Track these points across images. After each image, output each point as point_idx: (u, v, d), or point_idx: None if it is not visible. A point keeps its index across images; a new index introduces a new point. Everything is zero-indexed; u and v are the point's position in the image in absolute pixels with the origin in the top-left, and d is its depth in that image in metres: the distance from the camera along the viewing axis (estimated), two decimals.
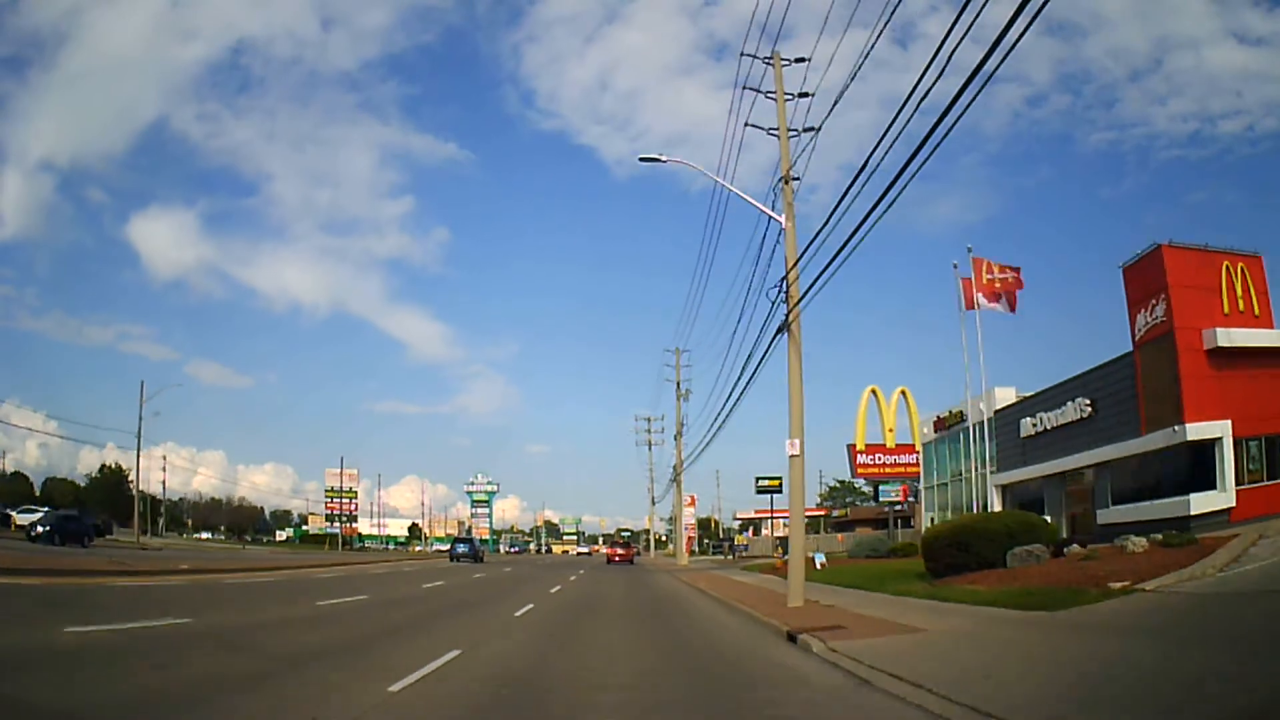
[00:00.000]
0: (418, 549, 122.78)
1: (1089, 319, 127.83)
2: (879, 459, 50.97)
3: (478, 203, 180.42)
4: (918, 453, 52.02)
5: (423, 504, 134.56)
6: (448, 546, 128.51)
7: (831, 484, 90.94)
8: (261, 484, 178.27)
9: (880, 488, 51.35)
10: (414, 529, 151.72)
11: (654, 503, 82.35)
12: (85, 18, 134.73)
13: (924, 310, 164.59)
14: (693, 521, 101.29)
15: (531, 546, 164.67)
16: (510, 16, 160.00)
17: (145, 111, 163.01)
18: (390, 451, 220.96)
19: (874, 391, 52.21)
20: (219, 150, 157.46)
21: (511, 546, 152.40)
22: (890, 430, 52.16)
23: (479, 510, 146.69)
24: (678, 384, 50.71)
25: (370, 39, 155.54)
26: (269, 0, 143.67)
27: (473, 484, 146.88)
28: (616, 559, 64.49)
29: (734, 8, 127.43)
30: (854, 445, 50.51)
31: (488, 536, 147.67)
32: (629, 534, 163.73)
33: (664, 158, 18.23)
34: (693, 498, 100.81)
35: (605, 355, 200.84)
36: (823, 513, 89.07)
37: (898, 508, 51.77)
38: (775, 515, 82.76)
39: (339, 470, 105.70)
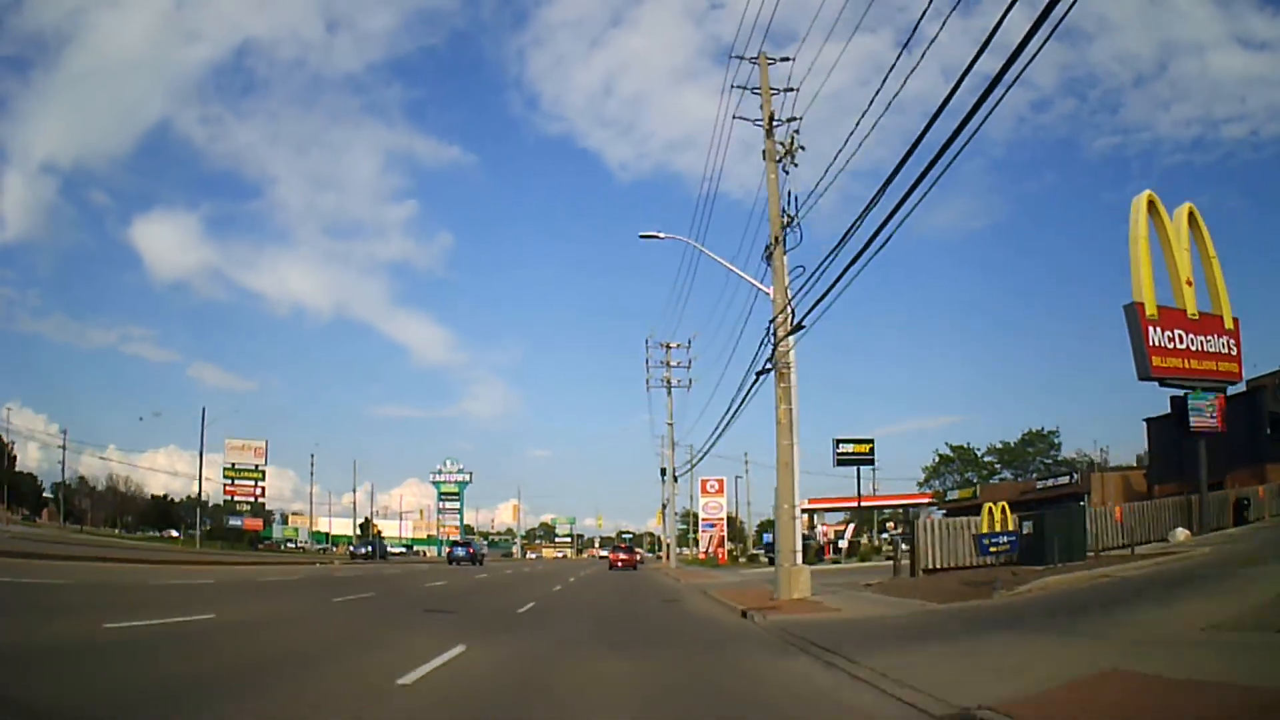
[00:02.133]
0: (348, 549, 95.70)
1: None
2: (1179, 337, 23.83)
3: (481, 207, 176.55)
4: (1230, 333, 24.98)
5: (354, 495, 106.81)
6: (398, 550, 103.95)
7: (944, 452, 63.06)
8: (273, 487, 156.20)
9: (1190, 402, 23.92)
10: (367, 526, 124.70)
11: (674, 479, 54.75)
12: (88, 19, 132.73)
13: None
14: (721, 516, 73.95)
15: (514, 550, 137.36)
16: (515, 20, 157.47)
17: (148, 114, 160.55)
18: (392, 456, 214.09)
19: (1151, 201, 25.08)
20: (222, 153, 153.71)
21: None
22: (1187, 284, 24.95)
23: (447, 504, 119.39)
24: (775, 137, 19.94)
25: (375, 42, 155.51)
26: (274, 2, 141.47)
27: (439, 472, 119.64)
28: (620, 564, 54.92)
29: (738, 12, 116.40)
30: (1139, 305, 23.29)
31: (456, 536, 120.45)
32: (630, 536, 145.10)
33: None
34: (720, 482, 73.54)
35: (608, 361, 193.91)
36: (925, 498, 61.84)
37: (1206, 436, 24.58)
38: (868, 503, 55.61)
39: (240, 442, 78.42)
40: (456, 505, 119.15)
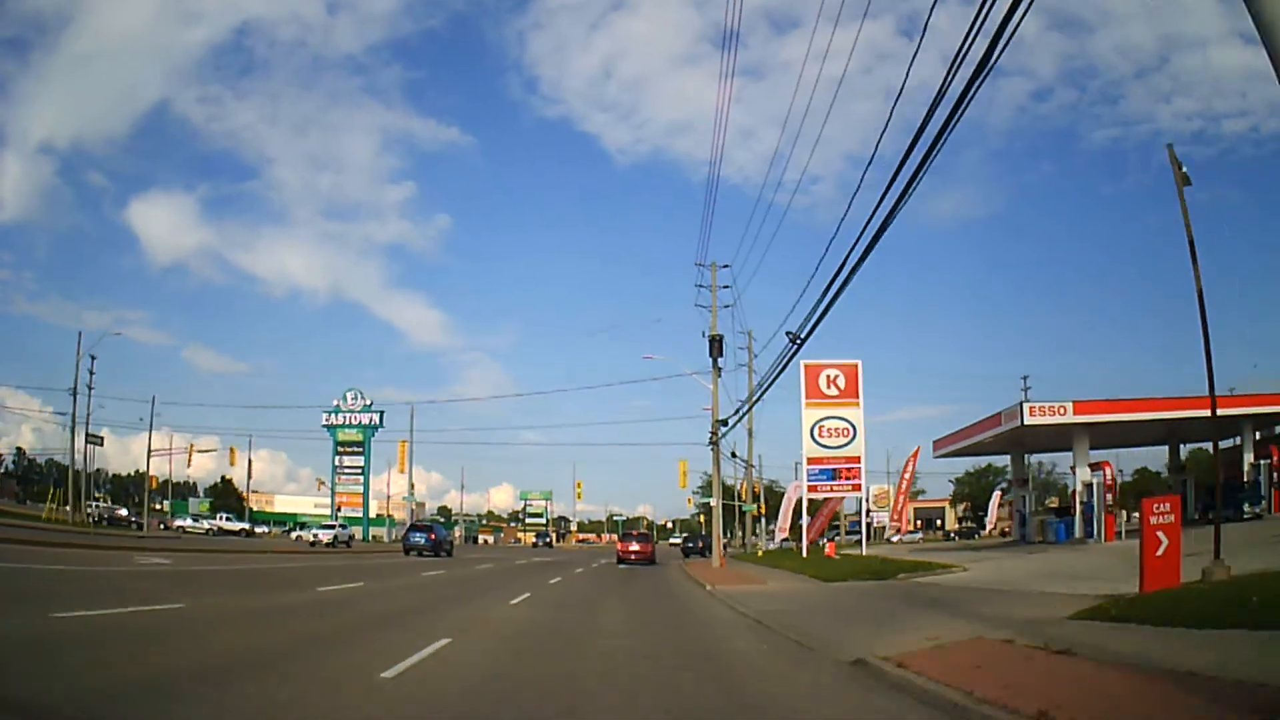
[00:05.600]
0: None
1: None
2: None
3: (479, 189, 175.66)
4: None
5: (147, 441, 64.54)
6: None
7: None
8: (257, 470, 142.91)
9: None
10: (225, 486, 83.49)
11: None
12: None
13: None
14: (854, 453, 32.46)
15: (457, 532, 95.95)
16: (516, 3, 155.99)
17: (147, 94, 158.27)
18: (385, 440, 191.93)
19: None
20: (220, 134, 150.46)
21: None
22: None
23: (348, 460, 77.83)
24: None
25: (375, 23, 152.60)
26: None
27: (337, 411, 77.97)
28: (633, 557, 39.19)
29: None
30: None
31: (359, 512, 78.86)
32: (622, 519, 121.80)
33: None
34: (848, 371, 32.42)
35: (604, 345, 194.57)
36: None
37: None
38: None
39: None
40: (361, 462, 77.27)
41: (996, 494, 73.53)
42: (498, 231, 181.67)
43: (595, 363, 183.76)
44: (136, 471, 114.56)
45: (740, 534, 57.06)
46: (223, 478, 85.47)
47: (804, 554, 31.19)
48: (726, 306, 32.47)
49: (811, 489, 31.09)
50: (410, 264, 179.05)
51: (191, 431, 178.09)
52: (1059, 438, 35.41)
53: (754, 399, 32.90)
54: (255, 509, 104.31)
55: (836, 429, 31.09)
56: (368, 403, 77.57)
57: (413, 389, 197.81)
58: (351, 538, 54.97)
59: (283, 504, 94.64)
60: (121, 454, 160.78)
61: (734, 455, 38.46)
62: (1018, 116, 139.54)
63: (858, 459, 31.15)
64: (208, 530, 62.79)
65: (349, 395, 78.28)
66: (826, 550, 28.02)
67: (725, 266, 33.69)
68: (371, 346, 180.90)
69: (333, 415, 78.31)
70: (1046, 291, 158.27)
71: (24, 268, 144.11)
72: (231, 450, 63.43)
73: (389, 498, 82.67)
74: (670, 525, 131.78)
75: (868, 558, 26.84)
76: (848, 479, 30.92)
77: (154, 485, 62.35)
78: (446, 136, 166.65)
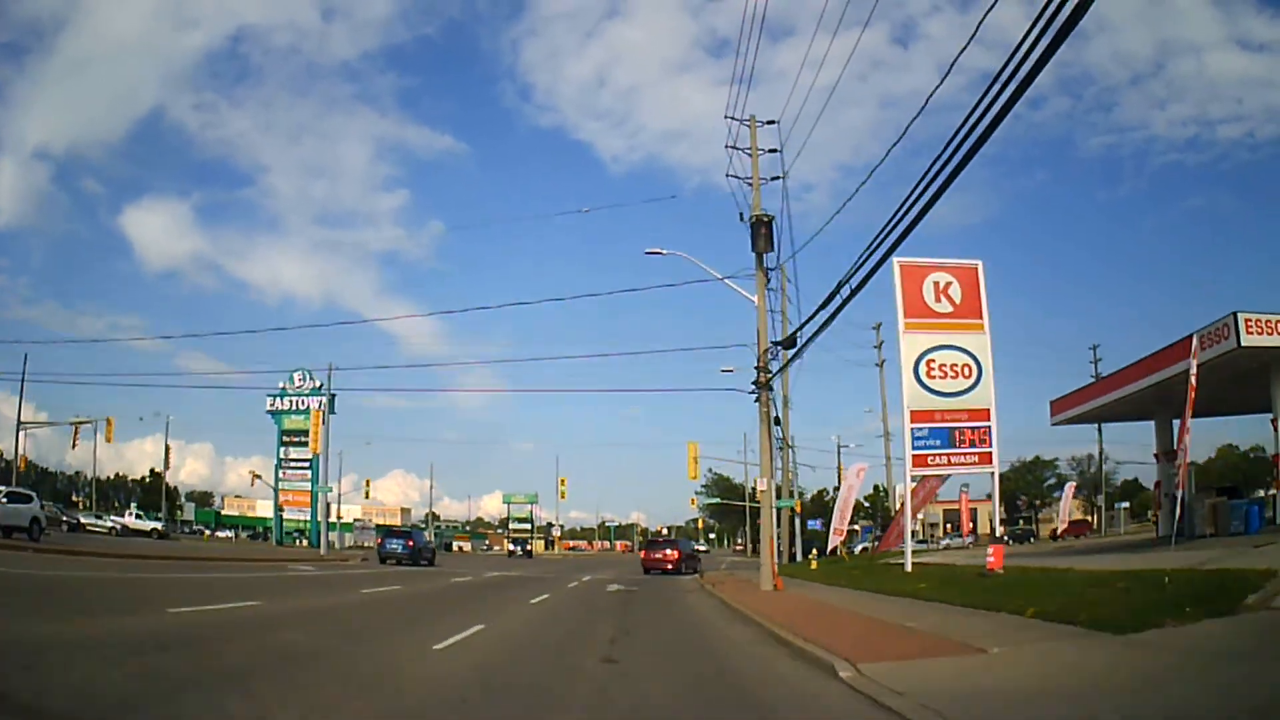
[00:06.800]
0: None
1: None
2: None
3: (473, 198, 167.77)
4: None
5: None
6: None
7: None
8: (245, 475, 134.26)
9: None
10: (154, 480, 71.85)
11: None
12: (84, 4, 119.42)
13: None
14: (974, 406, 20.90)
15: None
16: (511, 10, 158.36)
17: (142, 100, 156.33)
18: (379, 446, 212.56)
19: None
20: (215, 141, 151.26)
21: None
22: None
23: (294, 449, 66.36)
24: None
25: (370, 30, 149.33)
26: None
27: (282, 394, 66.53)
28: (669, 566, 35.82)
29: (735, 4, 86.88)
30: None
31: (307, 515, 67.32)
32: (615, 526, 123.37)
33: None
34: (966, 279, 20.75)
35: (598, 352, 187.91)
36: None
37: None
38: None
39: None
40: (309, 455, 65.53)
41: (1069, 487, 60.97)
42: (491, 239, 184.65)
43: (586, 368, 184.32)
44: (116, 474, 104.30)
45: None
46: (152, 470, 73.96)
47: (908, 566, 19.54)
48: (774, 179, 21.28)
49: (917, 461, 19.48)
50: (404, 271, 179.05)
51: (184, 438, 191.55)
52: (1237, 384, 23.96)
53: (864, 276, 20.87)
54: (236, 514, 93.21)
55: (952, 365, 19.68)
56: (317, 384, 65.86)
57: (407, 396, 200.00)
58: (38, 522, 28.25)
59: (264, 509, 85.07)
60: (116, 459, 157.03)
61: (777, 422, 26.98)
62: (1014, 123, 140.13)
63: (986, 412, 19.68)
64: (110, 529, 52.27)
65: (296, 376, 66.63)
66: (990, 560, 16.23)
67: (770, 123, 22.32)
68: (365, 353, 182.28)
69: (278, 400, 66.82)
70: (1046, 291, 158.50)
71: (19, 273, 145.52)
72: (109, 422, 51.58)
73: (339, 495, 70.82)
74: (666, 531, 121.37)
75: (1063, 571, 15.26)
76: (973, 444, 19.45)
77: (23, 467, 51.03)
78: (440, 144, 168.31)
